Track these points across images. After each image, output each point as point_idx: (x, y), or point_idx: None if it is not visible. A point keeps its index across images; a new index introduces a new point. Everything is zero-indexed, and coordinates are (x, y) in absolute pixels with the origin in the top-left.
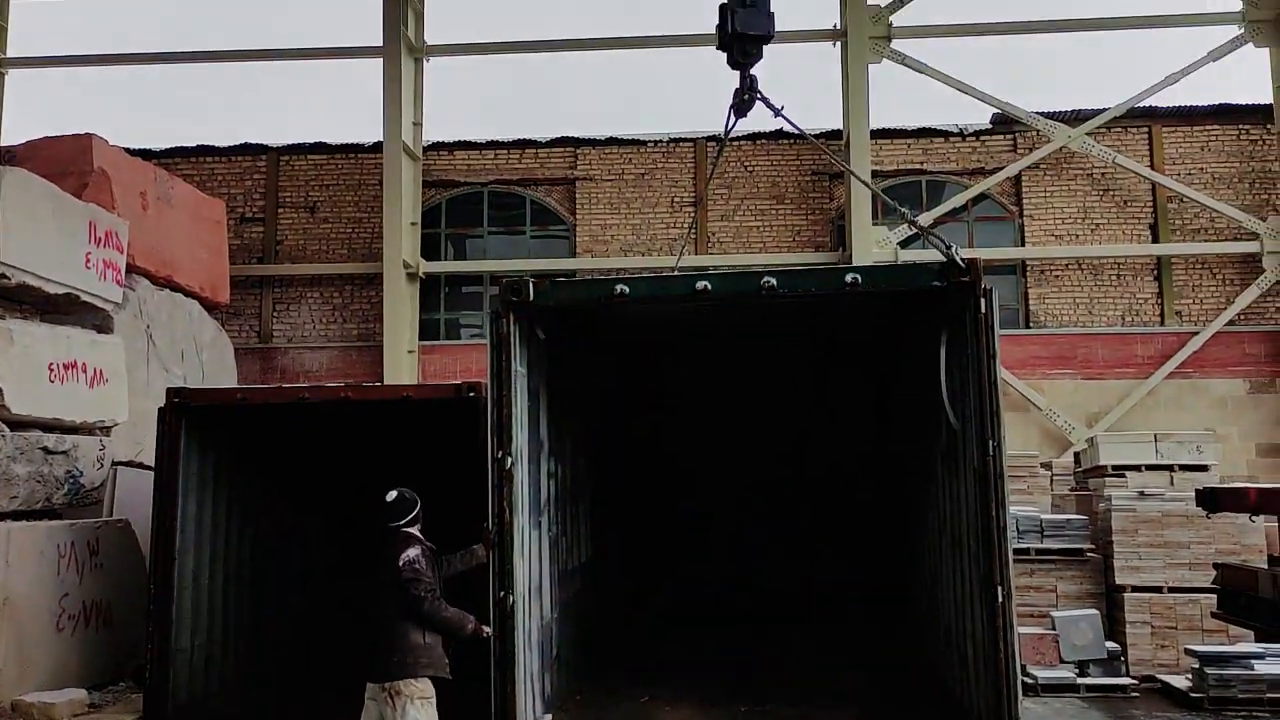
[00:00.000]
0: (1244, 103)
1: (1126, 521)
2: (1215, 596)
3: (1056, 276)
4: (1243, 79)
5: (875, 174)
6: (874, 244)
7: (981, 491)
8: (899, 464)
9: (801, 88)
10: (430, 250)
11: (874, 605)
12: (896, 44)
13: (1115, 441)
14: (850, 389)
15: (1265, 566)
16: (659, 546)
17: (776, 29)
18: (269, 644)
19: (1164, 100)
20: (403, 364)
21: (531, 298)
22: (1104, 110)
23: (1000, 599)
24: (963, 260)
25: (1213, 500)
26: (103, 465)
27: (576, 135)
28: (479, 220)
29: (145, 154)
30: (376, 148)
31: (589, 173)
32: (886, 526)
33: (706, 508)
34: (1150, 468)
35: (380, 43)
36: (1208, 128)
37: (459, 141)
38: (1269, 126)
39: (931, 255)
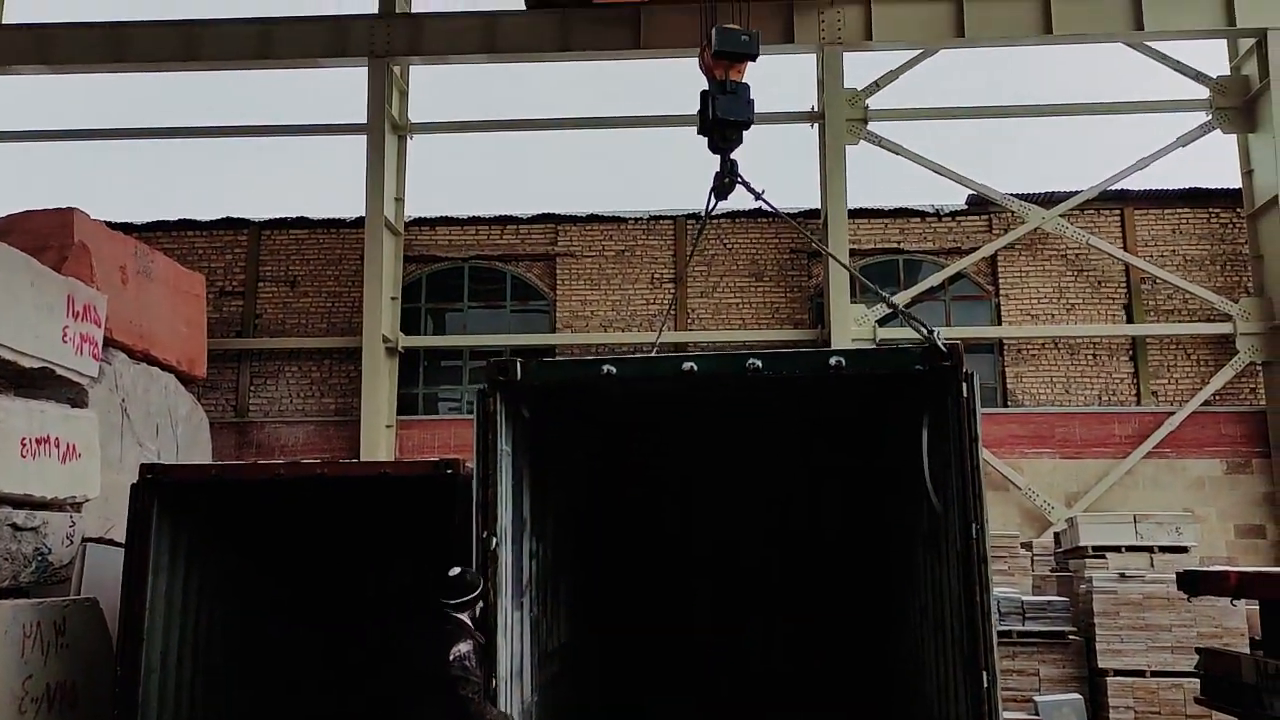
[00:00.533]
0: (1214, 187)
1: (1108, 604)
2: (1198, 681)
3: (1033, 355)
4: (1212, 163)
5: (853, 252)
6: (852, 322)
7: (965, 574)
8: (881, 544)
9: (780, 166)
10: (410, 325)
11: (856, 686)
12: (873, 126)
13: (1095, 522)
14: (832, 467)
15: (1248, 651)
16: (637, 625)
17: (756, 110)
18: None
19: (1136, 183)
20: (380, 439)
21: (518, 377)
22: (1077, 193)
23: (985, 684)
24: (945, 345)
25: (1194, 583)
26: (72, 542)
27: (557, 212)
28: (459, 295)
29: (126, 227)
30: (358, 223)
31: (569, 249)
32: (868, 607)
33: (688, 586)
34: (1130, 548)
35: (365, 119)
36: (1179, 211)
37: (440, 217)
38: (1238, 210)
39: (909, 334)
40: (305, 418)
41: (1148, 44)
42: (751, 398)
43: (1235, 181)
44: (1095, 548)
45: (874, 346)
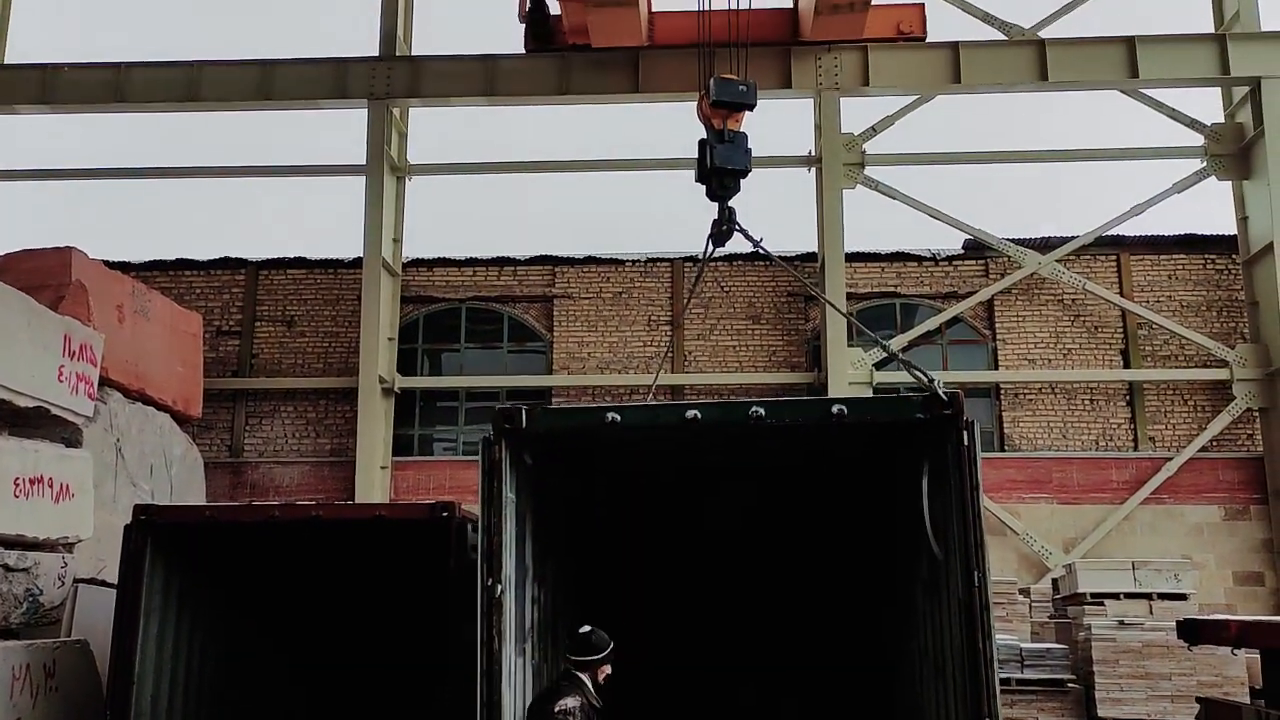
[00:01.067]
0: (1210, 233)
1: (1107, 652)
2: None
3: (1030, 400)
4: (1208, 209)
5: (850, 296)
6: (849, 365)
7: (967, 621)
8: (882, 589)
9: (778, 209)
10: (406, 365)
11: None
12: (870, 170)
13: (1093, 568)
14: (832, 512)
15: (1248, 701)
16: (638, 671)
17: (754, 154)
18: None
19: (1132, 229)
20: (375, 480)
21: (524, 425)
22: (1073, 238)
23: None
24: (946, 393)
25: (1193, 632)
26: (64, 583)
27: (555, 254)
28: (456, 336)
29: (124, 266)
30: (356, 263)
31: (567, 290)
32: (869, 652)
33: (688, 631)
34: (1129, 595)
35: (364, 161)
36: (1175, 257)
37: (438, 258)
38: (1234, 256)
39: (907, 377)
40: (300, 458)
41: (1143, 91)
42: (753, 444)
43: (1231, 228)
44: (1093, 594)
45: (872, 391)
